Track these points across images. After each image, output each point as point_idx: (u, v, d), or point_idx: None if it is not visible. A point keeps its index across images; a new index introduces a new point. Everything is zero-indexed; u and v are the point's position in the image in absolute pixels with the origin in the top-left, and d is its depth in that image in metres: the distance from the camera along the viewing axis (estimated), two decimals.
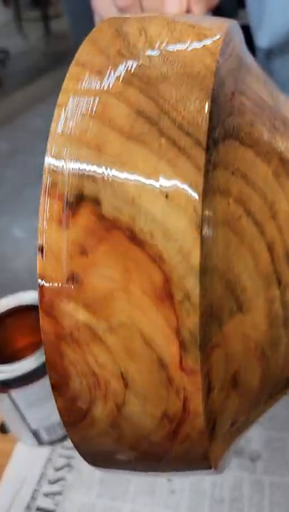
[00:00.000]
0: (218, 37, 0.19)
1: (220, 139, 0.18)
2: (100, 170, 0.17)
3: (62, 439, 0.45)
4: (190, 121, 0.17)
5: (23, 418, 0.43)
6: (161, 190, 0.16)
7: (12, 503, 0.42)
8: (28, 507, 0.42)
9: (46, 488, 0.43)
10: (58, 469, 0.44)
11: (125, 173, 0.17)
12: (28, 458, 0.45)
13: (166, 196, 0.16)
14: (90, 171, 0.17)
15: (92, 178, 0.17)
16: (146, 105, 0.17)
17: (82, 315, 0.17)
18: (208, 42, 0.19)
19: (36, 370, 0.39)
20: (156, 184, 0.17)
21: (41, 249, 0.17)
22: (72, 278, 0.17)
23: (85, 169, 0.17)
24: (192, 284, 0.16)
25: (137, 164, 0.17)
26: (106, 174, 0.17)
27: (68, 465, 0.44)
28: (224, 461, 0.23)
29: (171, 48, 0.19)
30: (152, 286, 0.16)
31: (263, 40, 0.53)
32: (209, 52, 0.18)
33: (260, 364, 0.21)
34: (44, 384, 0.40)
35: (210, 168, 0.17)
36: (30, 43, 2.98)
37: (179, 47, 0.19)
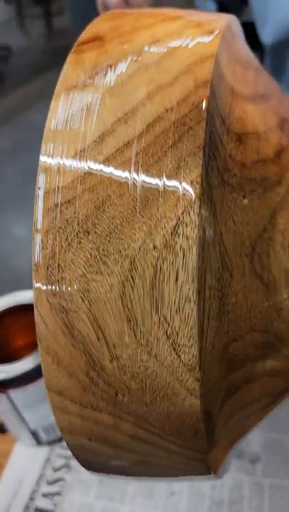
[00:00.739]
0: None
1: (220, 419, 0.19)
2: None
3: (61, 439, 0.45)
4: (189, 442, 0.19)
5: (22, 418, 0.42)
6: None
7: (11, 503, 0.42)
8: (27, 507, 0.41)
9: (45, 488, 0.42)
10: (56, 470, 0.44)
11: None
12: (26, 458, 0.45)
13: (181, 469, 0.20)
14: None
15: None
16: (143, 434, 0.19)
17: None
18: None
19: (34, 370, 0.39)
20: None
21: None
22: None
23: None
24: None
25: None
26: None
27: (67, 465, 0.44)
28: (224, 465, 0.22)
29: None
30: None
31: (267, 36, 0.53)
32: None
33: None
34: (42, 384, 0.40)
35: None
36: (32, 39, 2.98)
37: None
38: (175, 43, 0.19)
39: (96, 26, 0.21)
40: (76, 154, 0.18)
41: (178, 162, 0.17)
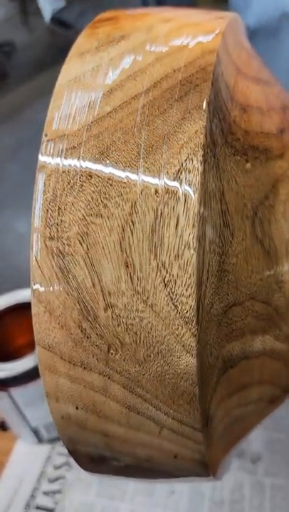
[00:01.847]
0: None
1: (214, 398, 0.19)
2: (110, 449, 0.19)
3: None
4: (183, 414, 0.18)
5: (23, 416, 0.42)
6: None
7: (11, 501, 0.42)
8: (28, 505, 0.41)
9: (46, 486, 0.42)
10: (57, 468, 0.44)
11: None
12: (27, 456, 0.45)
13: (175, 456, 0.19)
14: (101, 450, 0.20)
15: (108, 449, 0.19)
16: (134, 401, 0.18)
17: None
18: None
19: (35, 369, 0.39)
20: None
21: None
22: None
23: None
24: None
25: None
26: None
27: (68, 463, 0.44)
28: (223, 466, 0.22)
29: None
30: None
31: (250, 19, 0.51)
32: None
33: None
34: None
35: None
36: (35, 36, 2.98)
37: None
38: (184, 22, 0.20)
39: (110, 11, 0.22)
40: (85, 106, 0.18)
41: (183, 114, 0.17)
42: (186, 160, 0.17)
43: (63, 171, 0.18)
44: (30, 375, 0.39)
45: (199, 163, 0.16)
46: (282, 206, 0.20)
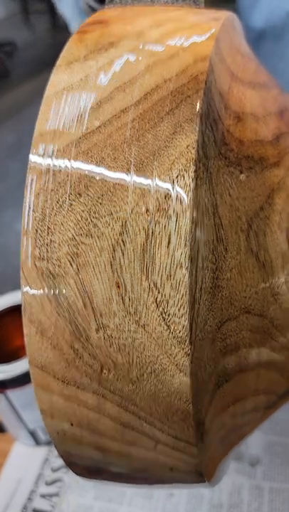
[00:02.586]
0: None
1: (208, 414, 0.18)
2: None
3: None
4: (177, 430, 0.18)
5: (20, 418, 0.42)
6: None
7: (8, 504, 0.42)
8: (25, 508, 0.41)
9: (43, 489, 0.42)
10: (55, 470, 0.43)
11: None
12: (25, 458, 0.45)
13: (171, 469, 0.19)
14: None
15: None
16: (129, 418, 0.18)
17: None
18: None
19: None
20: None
21: None
22: None
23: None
24: None
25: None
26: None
27: (65, 466, 0.43)
28: (221, 470, 0.22)
29: None
30: None
31: (257, 20, 0.50)
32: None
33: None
34: None
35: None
36: (36, 35, 2.98)
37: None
38: (176, 26, 0.20)
39: (101, 14, 0.22)
40: (73, 120, 0.18)
41: (174, 128, 0.17)
42: (177, 177, 0.16)
43: (52, 189, 0.17)
44: (28, 377, 0.39)
45: (191, 180, 0.16)
46: (278, 216, 0.19)
